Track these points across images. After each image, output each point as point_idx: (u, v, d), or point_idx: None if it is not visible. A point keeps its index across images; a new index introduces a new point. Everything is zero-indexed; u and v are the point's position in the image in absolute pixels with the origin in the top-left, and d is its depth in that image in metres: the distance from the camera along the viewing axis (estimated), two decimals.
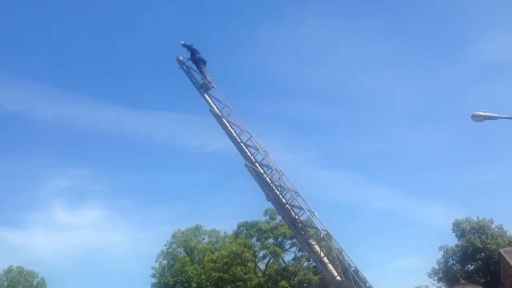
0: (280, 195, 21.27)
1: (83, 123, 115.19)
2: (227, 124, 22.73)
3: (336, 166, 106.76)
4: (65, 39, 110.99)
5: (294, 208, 21.20)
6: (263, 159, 22.07)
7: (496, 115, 16.83)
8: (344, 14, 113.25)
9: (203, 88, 23.76)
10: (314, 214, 20.86)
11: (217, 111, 22.98)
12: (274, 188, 21.37)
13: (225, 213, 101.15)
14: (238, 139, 22.45)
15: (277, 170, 21.75)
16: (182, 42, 24.78)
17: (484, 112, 16.87)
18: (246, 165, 21.73)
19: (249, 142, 22.44)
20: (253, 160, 22.06)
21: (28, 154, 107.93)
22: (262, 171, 21.64)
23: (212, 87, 23.80)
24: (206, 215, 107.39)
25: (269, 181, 21.44)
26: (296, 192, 21.30)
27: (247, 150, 22.23)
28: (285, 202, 21.20)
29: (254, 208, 53.96)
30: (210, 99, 23.62)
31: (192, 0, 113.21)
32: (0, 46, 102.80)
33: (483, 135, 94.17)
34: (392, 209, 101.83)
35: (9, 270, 64.90)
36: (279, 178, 21.57)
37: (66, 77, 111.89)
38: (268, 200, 21.89)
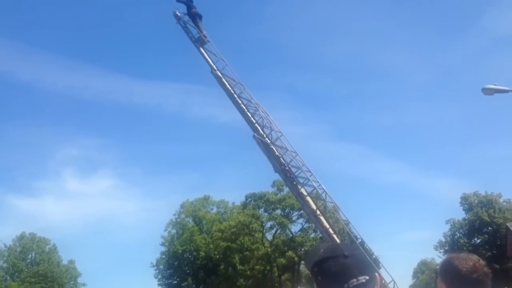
0: (286, 166, 21.33)
1: (93, 93, 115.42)
2: (229, 87, 22.88)
3: (345, 140, 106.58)
4: (76, 9, 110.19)
5: (300, 179, 21.30)
6: (263, 120, 22.24)
7: (506, 88, 16.59)
8: None
9: (199, 42, 24.02)
10: (321, 186, 20.98)
11: (219, 73, 23.11)
12: (282, 159, 21.43)
13: (233, 184, 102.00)
14: (239, 101, 22.64)
15: (273, 130, 21.98)
16: None
17: (495, 85, 16.63)
18: (254, 137, 21.78)
19: (250, 105, 22.66)
20: (253, 120, 22.20)
21: (39, 123, 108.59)
22: (269, 141, 21.68)
23: (208, 41, 24.09)
24: (215, 185, 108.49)
25: (277, 153, 21.50)
26: (295, 152, 21.43)
27: (248, 112, 22.41)
28: (287, 168, 21.28)
29: (262, 179, 54.35)
30: (206, 52, 23.88)
31: None
32: (13, 15, 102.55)
33: (494, 108, 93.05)
34: (400, 182, 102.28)
35: (22, 237, 66.34)
36: (278, 138, 21.71)
37: (77, 47, 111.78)
38: (275, 172, 21.99)
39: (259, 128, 22.03)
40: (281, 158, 21.44)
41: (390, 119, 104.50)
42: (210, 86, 24.08)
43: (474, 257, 2.73)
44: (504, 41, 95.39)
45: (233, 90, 22.84)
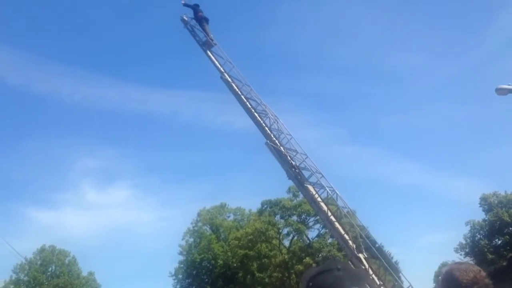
0: (297, 169, 21.25)
1: (109, 104, 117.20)
2: (238, 91, 23.02)
3: (361, 142, 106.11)
4: (90, 20, 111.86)
5: (314, 185, 21.18)
6: (272, 124, 22.32)
7: None
8: None
9: (206, 45, 24.30)
10: (334, 191, 20.83)
11: (228, 78, 23.23)
12: (293, 164, 21.36)
13: (249, 191, 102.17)
14: (249, 105, 22.75)
15: (283, 133, 22.03)
16: (183, 2, 25.07)
17: (509, 85, 16.41)
18: (266, 144, 21.77)
19: (259, 108, 22.80)
20: (263, 123, 22.25)
21: (57, 135, 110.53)
22: (282, 149, 21.63)
23: (215, 44, 24.34)
24: (231, 193, 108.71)
25: (290, 159, 21.46)
26: (305, 154, 21.36)
27: (257, 115, 22.51)
28: (298, 171, 21.22)
29: (278, 185, 54.13)
30: (213, 55, 24.12)
31: None
32: (28, 28, 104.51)
33: (509, 108, 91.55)
34: (418, 184, 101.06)
35: (42, 250, 66.95)
36: (288, 141, 21.72)
37: (92, 58, 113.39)
38: (289, 179, 21.94)
39: (268, 130, 22.09)
40: (293, 163, 21.37)
41: (404, 120, 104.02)
42: (224, 93, 24.19)
43: (475, 268, 2.75)
44: None
45: (243, 95, 22.97)
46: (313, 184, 21.20)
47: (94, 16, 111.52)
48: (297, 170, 21.23)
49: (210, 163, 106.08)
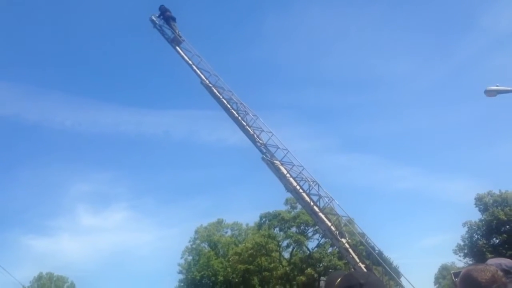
0: (298, 186, 21.35)
1: (101, 128, 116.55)
2: (219, 95, 23.59)
3: (355, 151, 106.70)
4: (79, 46, 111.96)
5: (313, 196, 21.29)
6: (253, 121, 22.74)
7: (509, 88, 16.59)
8: None
9: (175, 42, 25.36)
10: (333, 200, 20.97)
11: (208, 82, 23.80)
12: (292, 179, 21.46)
13: (246, 206, 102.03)
14: (229, 106, 23.33)
15: (263, 131, 22.47)
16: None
17: (497, 86, 16.64)
18: (263, 159, 21.91)
19: (240, 110, 23.27)
20: (244, 123, 22.64)
21: (50, 162, 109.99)
22: (277, 162, 21.76)
23: (183, 40, 25.41)
24: (228, 208, 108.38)
25: (285, 171, 21.57)
26: (301, 166, 21.60)
27: (238, 117, 22.96)
28: (303, 191, 21.30)
29: (275, 198, 54.17)
30: (182, 50, 25.11)
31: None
32: (17, 58, 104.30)
33: (498, 107, 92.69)
34: (413, 188, 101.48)
35: (40, 277, 66.28)
36: (285, 156, 21.97)
37: (83, 84, 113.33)
38: (287, 191, 22.04)
39: (249, 129, 22.44)
40: (291, 177, 21.48)
41: (396, 127, 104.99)
42: (215, 110, 24.57)
43: (492, 267, 2.85)
44: (503, 40, 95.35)
45: (224, 98, 23.52)
46: (311, 195, 21.31)
47: (83, 42, 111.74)
48: (296, 184, 21.33)
49: (205, 180, 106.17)
